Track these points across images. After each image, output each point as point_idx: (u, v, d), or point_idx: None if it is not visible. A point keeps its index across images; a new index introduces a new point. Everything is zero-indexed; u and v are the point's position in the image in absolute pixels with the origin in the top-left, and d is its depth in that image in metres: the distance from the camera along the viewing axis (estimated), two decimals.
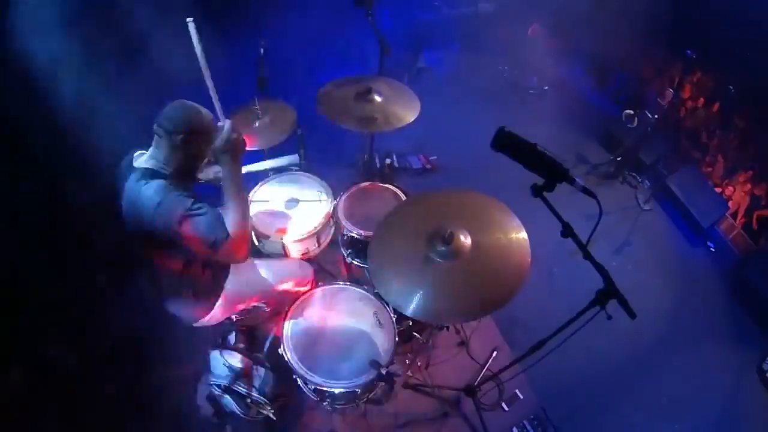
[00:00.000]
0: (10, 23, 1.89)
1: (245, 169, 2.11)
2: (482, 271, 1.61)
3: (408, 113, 2.26)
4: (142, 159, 1.53)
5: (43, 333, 2.09)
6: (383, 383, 1.90)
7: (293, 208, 2.28)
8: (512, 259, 1.63)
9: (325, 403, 1.83)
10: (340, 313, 1.97)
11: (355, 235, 2.17)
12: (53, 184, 2.12)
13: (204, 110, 1.54)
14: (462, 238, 1.62)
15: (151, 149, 1.52)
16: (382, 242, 1.74)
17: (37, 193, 2.07)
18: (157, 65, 2.56)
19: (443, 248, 1.60)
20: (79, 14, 2.07)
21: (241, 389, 2.02)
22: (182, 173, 1.54)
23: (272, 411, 2.03)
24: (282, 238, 2.17)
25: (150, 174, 1.48)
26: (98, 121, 2.16)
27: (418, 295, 1.54)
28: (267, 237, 2.19)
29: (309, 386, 1.79)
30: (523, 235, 1.67)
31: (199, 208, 1.45)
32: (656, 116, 3.42)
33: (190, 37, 1.59)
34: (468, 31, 4.62)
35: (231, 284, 1.88)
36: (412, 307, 1.51)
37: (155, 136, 1.50)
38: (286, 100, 2.54)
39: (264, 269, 2.03)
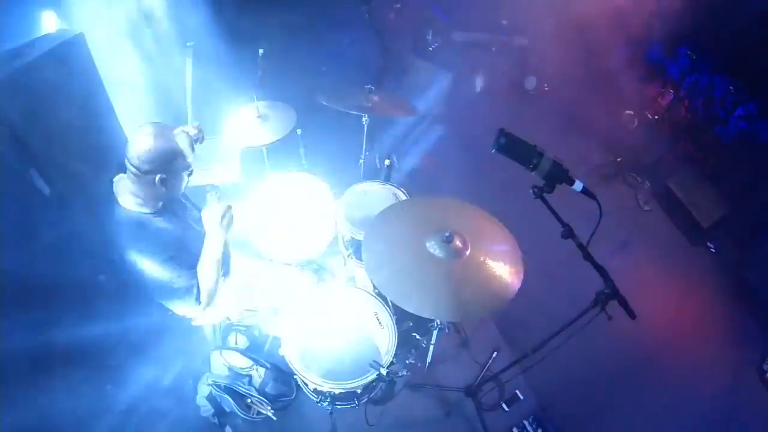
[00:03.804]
0: None
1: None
2: (478, 274, 1.60)
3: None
4: (126, 196, 1.50)
5: (41, 331, 2.09)
6: (383, 383, 1.90)
7: (293, 208, 2.28)
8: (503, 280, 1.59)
9: (325, 403, 1.82)
10: (341, 313, 1.97)
11: (355, 236, 2.17)
12: None
13: (170, 131, 1.49)
14: (458, 242, 1.63)
15: (131, 185, 1.49)
16: (378, 239, 1.75)
17: None
18: None
19: (443, 248, 1.60)
20: None
21: (241, 389, 2.03)
22: (168, 201, 1.61)
23: (272, 411, 2.04)
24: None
25: (136, 224, 1.50)
26: None
27: (415, 293, 1.54)
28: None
29: (309, 386, 1.79)
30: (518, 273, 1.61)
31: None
32: (656, 116, 3.43)
33: None
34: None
35: (230, 290, 1.92)
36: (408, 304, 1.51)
37: (130, 174, 1.47)
38: (286, 100, 2.54)
39: (265, 278, 2.07)
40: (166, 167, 1.47)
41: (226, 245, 1.66)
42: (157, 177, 1.46)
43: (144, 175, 1.45)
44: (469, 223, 1.78)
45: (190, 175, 1.60)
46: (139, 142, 1.44)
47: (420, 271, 1.60)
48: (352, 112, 2.27)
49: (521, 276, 1.58)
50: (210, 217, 1.58)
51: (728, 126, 3.26)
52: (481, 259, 1.62)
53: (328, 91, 2.34)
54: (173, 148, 1.48)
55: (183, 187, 1.61)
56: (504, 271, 1.59)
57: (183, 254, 1.57)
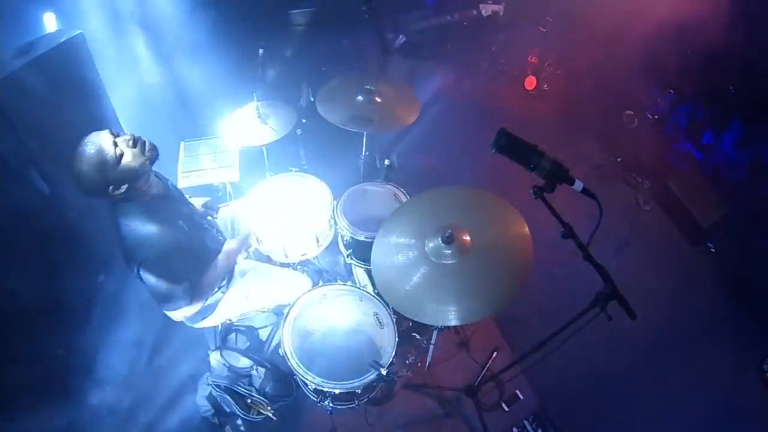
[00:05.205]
0: None
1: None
2: (487, 267, 1.59)
3: (408, 115, 2.27)
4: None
5: (42, 332, 2.09)
6: (383, 383, 1.90)
7: (293, 208, 2.28)
8: (515, 253, 1.60)
9: (325, 403, 1.82)
10: (341, 313, 1.97)
11: (355, 236, 2.17)
12: None
13: (81, 153, 1.40)
14: (463, 237, 1.61)
15: (121, 206, 1.54)
16: (384, 245, 1.73)
17: None
18: None
19: (446, 249, 1.60)
20: None
21: (241, 389, 2.03)
22: (143, 193, 1.58)
23: (272, 411, 2.04)
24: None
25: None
26: None
27: (424, 298, 1.54)
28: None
29: (309, 386, 1.79)
30: (524, 229, 1.63)
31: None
32: (656, 116, 3.42)
33: None
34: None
35: (230, 290, 1.95)
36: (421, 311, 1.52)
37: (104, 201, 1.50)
38: (285, 99, 2.54)
39: (264, 278, 2.08)
40: (107, 178, 1.43)
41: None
42: (110, 188, 1.45)
43: (103, 196, 1.46)
44: (471, 208, 1.76)
45: (134, 146, 1.49)
46: (76, 182, 1.42)
47: (428, 279, 1.58)
48: (350, 129, 2.23)
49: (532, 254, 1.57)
50: (237, 248, 1.88)
51: (728, 126, 3.26)
52: (489, 245, 1.61)
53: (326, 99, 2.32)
54: (107, 157, 1.42)
55: (141, 161, 1.50)
56: (514, 250, 1.59)
57: (183, 253, 1.61)
